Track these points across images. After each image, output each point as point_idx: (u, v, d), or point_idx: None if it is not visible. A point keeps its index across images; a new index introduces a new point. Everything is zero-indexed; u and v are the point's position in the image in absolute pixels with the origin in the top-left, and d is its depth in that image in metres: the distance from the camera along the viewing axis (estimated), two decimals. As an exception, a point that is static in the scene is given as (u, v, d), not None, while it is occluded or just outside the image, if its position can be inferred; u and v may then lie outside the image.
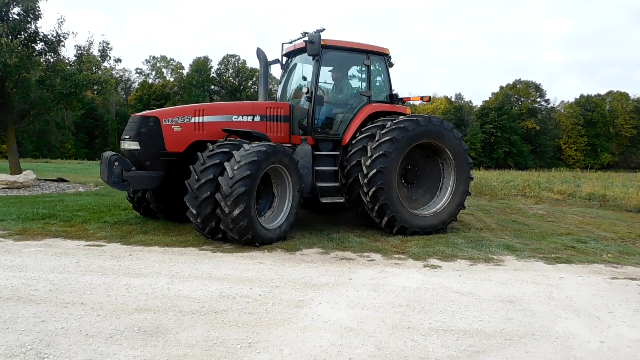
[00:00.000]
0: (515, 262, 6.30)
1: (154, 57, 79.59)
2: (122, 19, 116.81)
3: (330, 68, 8.75)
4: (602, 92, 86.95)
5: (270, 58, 8.72)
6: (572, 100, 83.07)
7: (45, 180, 15.87)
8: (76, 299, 4.31)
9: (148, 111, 7.63)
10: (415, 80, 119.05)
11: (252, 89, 74.05)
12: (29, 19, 13.96)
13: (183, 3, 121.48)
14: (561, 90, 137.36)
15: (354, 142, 8.00)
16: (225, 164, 6.47)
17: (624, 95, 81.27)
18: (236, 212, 6.22)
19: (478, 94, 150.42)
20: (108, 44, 15.93)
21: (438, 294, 4.82)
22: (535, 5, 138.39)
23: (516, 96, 79.66)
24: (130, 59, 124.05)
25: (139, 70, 79.05)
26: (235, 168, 6.34)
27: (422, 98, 9.26)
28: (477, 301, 4.63)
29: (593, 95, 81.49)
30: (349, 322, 3.97)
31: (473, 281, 5.31)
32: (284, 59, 9.15)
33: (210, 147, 6.87)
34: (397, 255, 6.43)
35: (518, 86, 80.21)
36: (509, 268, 5.95)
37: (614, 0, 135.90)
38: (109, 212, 9.30)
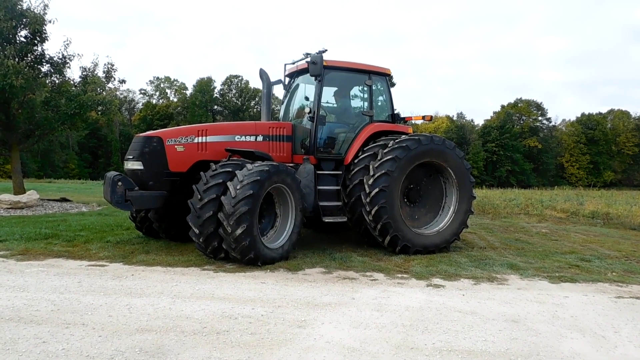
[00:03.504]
0: (519, 281, 6.26)
1: (157, 77, 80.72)
2: (124, 39, 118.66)
3: (333, 88, 8.84)
4: (601, 110, 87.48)
5: (272, 78, 8.82)
6: (572, 118, 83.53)
7: (49, 200, 15.92)
8: (78, 320, 4.30)
9: (151, 131, 7.70)
10: (416, 99, 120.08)
11: (255, 109, 74.65)
12: (35, 41, 14.21)
13: (184, 24, 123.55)
14: (560, 109, 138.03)
15: (356, 161, 8.03)
16: (228, 183, 6.50)
17: (625, 114, 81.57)
18: (239, 231, 6.22)
19: (478, 113, 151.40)
20: (113, 65, 16.17)
21: (441, 313, 4.78)
22: (531, 24, 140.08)
23: (518, 115, 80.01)
24: (134, 80, 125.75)
25: (142, 91, 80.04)
26: (238, 187, 6.36)
27: (423, 117, 9.33)
28: (481, 321, 4.59)
29: (594, 113, 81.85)
30: (351, 343, 3.94)
31: (477, 300, 5.27)
32: (287, 79, 9.26)
33: (213, 166, 6.91)
34: (400, 275, 6.39)
35: (519, 105, 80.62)
36: (513, 287, 5.91)
37: (609, 19, 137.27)
38: (111, 231, 9.31)
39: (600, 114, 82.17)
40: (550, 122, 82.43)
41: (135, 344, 3.78)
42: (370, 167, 7.69)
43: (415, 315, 4.70)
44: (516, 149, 73.85)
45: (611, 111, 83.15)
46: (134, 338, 3.90)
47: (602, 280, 6.41)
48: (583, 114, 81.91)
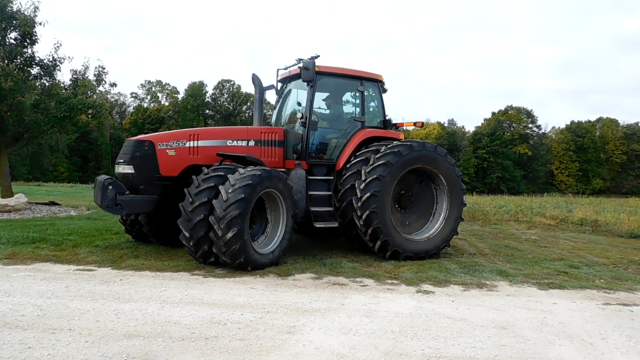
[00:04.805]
0: (508, 287, 6.29)
1: (149, 81, 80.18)
2: (117, 43, 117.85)
3: (325, 94, 8.86)
4: (590, 118, 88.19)
5: (264, 84, 8.83)
6: (562, 126, 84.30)
7: (37, 203, 15.73)
8: (64, 325, 4.25)
9: (143, 135, 7.67)
10: (407, 105, 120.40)
11: (247, 114, 74.52)
12: (25, 43, 14.08)
13: (177, 29, 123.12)
14: (550, 116, 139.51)
15: (348, 166, 8.05)
16: (220, 187, 6.49)
17: (614, 122, 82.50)
18: (229, 235, 6.20)
19: (469, 120, 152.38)
20: (104, 68, 16.05)
21: (431, 319, 4.79)
22: (522, 32, 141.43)
23: (508, 122, 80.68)
24: (126, 83, 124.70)
25: (134, 95, 79.55)
26: (229, 191, 6.35)
27: (415, 124, 9.37)
28: (470, 327, 4.61)
29: (583, 121, 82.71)
30: (341, 349, 3.93)
31: (466, 307, 5.29)
32: (279, 84, 9.27)
33: (206, 170, 6.90)
34: (390, 281, 6.40)
35: (510, 112, 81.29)
36: (502, 294, 5.94)
37: (598, 29, 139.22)
38: (100, 236, 9.22)
39: (589, 122, 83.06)
40: (540, 129, 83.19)
41: (123, 349, 3.74)
42: (362, 171, 7.71)
43: (405, 321, 4.70)
44: (506, 156, 74.38)
45: (600, 119, 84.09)
46: (121, 344, 3.86)
47: (590, 287, 6.46)
48: (572, 122, 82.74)
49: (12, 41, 13.98)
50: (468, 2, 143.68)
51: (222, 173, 6.74)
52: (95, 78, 15.93)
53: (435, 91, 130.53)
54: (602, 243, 11.10)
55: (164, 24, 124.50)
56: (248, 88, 75.79)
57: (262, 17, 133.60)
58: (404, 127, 9.57)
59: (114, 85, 17.04)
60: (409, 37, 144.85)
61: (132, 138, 7.56)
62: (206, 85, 76.73)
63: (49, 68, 14.73)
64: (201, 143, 7.47)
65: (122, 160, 7.25)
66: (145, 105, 77.54)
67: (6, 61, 13.42)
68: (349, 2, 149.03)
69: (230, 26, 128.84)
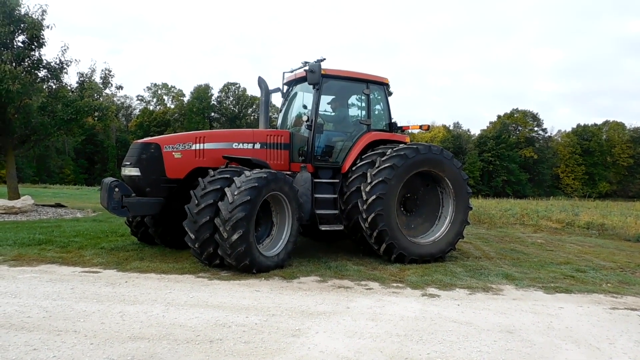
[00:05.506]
0: (514, 291, 6.25)
1: (155, 84, 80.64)
2: (120, 46, 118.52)
3: (331, 97, 8.87)
4: (596, 121, 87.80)
5: (270, 86, 8.84)
6: (568, 129, 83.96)
7: (43, 205, 15.82)
8: (70, 327, 4.26)
9: (149, 138, 7.69)
10: (412, 108, 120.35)
11: (252, 117, 74.73)
12: (33, 46, 14.20)
13: (181, 31, 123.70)
14: (556, 119, 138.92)
15: (354, 169, 8.04)
16: (226, 189, 6.50)
17: (620, 125, 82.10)
18: (235, 237, 6.21)
19: (475, 122, 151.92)
20: (110, 71, 16.15)
21: (436, 323, 4.76)
22: (526, 35, 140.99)
23: (514, 125, 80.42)
24: (130, 86, 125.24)
25: (140, 97, 80.00)
26: (235, 193, 6.36)
27: (421, 127, 9.36)
28: (476, 331, 4.57)
29: (589, 124, 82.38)
30: (346, 352, 3.91)
31: (472, 310, 5.25)
32: (285, 87, 9.27)
33: (212, 172, 6.92)
34: (395, 284, 6.38)
35: (515, 115, 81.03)
36: (508, 297, 5.90)
37: (603, 31, 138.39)
38: (106, 238, 9.26)
39: (595, 125, 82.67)
40: (546, 132, 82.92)
41: (128, 352, 3.74)
42: (368, 174, 7.69)
43: (410, 325, 4.68)
44: (512, 159, 74.14)
45: (606, 122, 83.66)
46: (126, 346, 3.86)
47: (597, 291, 6.41)
48: (579, 125, 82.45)
49: (19, 44, 14.12)
50: (471, 5, 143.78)
51: (228, 175, 6.75)
52: (101, 81, 16.03)
53: (438, 94, 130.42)
54: (609, 247, 11.02)
55: (166, 26, 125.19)
56: (253, 91, 76.08)
57: (266, 19, 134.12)
58: (410, 130, 9.55)
59: (120, 87, 17.13)
60: (411, 40, 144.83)
61: (139, 140, 7.60)
62: (212, 88, 77.12)
63: (56, 71, 14.85)
64: (207, 146, 7.49)
65: (128, 163, 7.28)
66: (151, 108, 77.92)
67: (14, 64, 13.53)
68: (351, 5, 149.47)
69: (233, 29, 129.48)
